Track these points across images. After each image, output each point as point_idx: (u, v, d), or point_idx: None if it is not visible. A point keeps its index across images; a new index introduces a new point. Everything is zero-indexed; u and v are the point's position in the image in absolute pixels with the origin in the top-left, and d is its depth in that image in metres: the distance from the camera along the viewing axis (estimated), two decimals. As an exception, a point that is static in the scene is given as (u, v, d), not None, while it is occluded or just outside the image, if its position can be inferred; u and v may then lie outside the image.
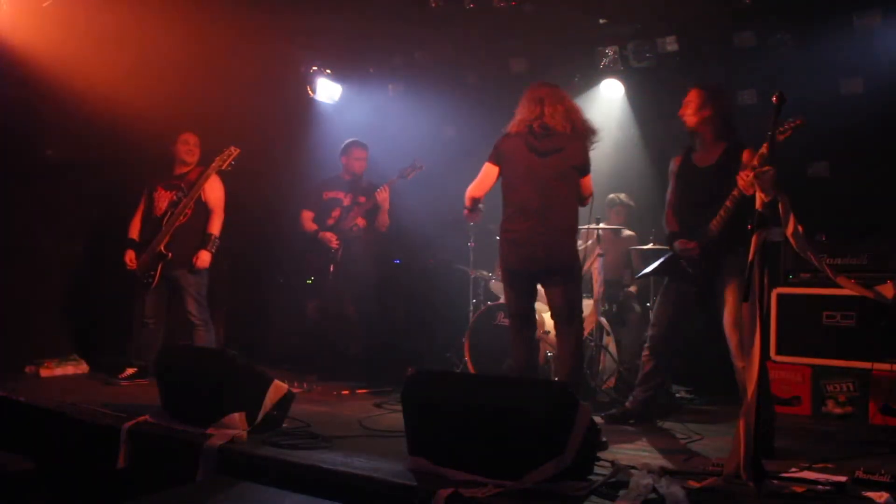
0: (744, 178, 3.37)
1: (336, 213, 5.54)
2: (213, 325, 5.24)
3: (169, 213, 5.10)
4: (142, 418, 3.57)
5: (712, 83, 3.93)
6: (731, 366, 3.64)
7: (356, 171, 5.60)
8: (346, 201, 5.55)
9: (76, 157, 5.63)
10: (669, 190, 4.01)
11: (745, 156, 3.63)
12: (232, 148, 5.10)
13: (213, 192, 5.20)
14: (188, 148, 5.22)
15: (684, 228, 3.82)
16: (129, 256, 5.15)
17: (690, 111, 3.81)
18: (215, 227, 5.20)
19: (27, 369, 5.13)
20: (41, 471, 3.10)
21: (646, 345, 4.08)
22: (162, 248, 5.04)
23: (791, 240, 2.80)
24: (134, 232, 5.26)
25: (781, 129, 3.27)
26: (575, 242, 3.97)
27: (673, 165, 4.01)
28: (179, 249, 5.08)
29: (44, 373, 5.10)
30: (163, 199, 5.19)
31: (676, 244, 3.78)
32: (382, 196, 5.38)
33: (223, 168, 5.06)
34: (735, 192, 3.48)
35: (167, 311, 5.25)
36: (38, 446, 3.64)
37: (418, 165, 5.39)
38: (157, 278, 5.06)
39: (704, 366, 3.78)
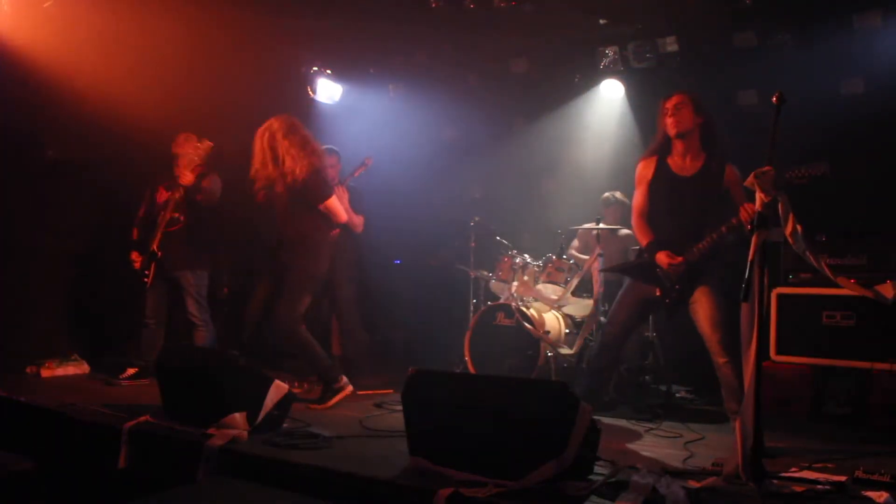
0: (746, 211, 3.30)
1: None
2: (213, 326, 5.24)
3: (160, 213, 5.11)
4: (142, 418, 3.57)
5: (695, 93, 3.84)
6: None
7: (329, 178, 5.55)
8: None
9: (76, 157, 5.63)
10: (639, 195, 3.88)
11: (730, 171, 3.64)
12: (205, 141, 5.08)
13: (208, 181, 5.18)
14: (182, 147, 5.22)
15: (663, 237, 3.77)
16: (133, 256, 5.17)
17: (686, 116, 3.69)
18: (203, 200, 5.18)
19: (28, 369, 5.13)
20: (41, 471, 3.10)
21: (601, 342, 4.09)
22: (154, 248, 5.05)
23: (790, 240, 2.80)
24: (136, 233, 5.27)
25: (799, 175, 3.15)
26: None
27: (644, 170, 3.89)
28: (179, 251, 5.08)
29: (45, 373, 5.10)
30: (162, 199, 5.20)
31: (661, 255, 3.71)
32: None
33: (199, 163, 5.05)
34: (734, 221, 3.46)
35: (167, 312, 5.25)
36: (38, 446, 3.64)
37: (367, 162, 5.31)
38: (151, 277, 5.06)
39: (704, 366, 3.79)
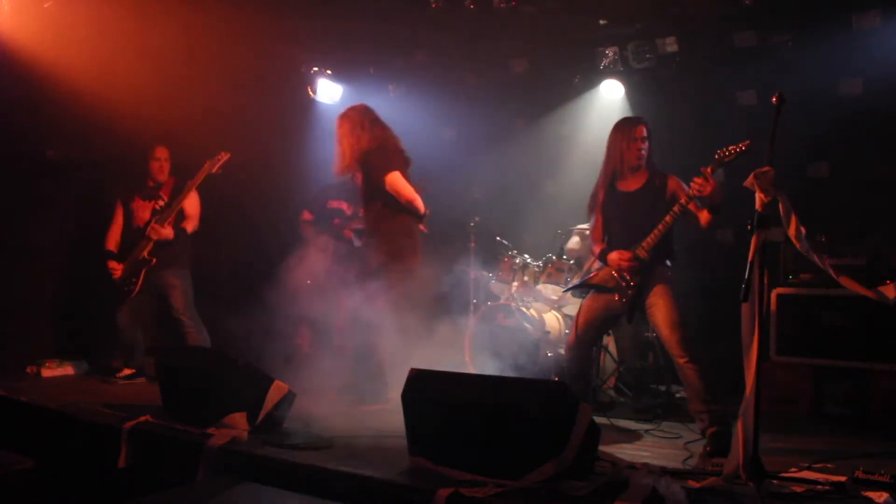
0: (696, 184, 3.48)
1: (336, 223, 5.51)
2: (203, 326, 5.23)
3: (153, 221, 5.12)
4: (143, 418, 3.57)
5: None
6: (730, 365, 3.62)
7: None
8: (349, 212, 5.51)
9: (76, 157, 5.63)
10: (595, 223, 4.01)
11: (673, 182, 3.76)
12: (222, 153, 5.11)
13: (191, 201, 5.25)
14: (159, 165, 5.25)
15: (615, 243, 3.85)
16: (112, 266, 5.17)
17: (649, 147, 3.85)
18: (188, 226, 5.25)
19: (28, 369, 5.13)
20: (42, 470, 3.10)
21: (567, 351, 4.08)
22: (146, 255, 5.07)
23: (794, 240, 2.79)
24: (112, 244, 5.26)
25: (726, 152, 3.45)
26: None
27: (595, 198, 4.04)
28: (163, 253, 5.11)
29: (44, 373, 5.11)
30: (143, 210, 5.21)
31: (613, 255, 3.79)
32: None
33: (213, 171, 5.07)
34: (676, 208, 3.59)
35: (148, 318, 5.26)
36: (39, 446, 3.64)
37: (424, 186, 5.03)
38: (139, 284, 5.08)
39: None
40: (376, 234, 4.38)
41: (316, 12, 5.74)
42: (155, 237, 5.06)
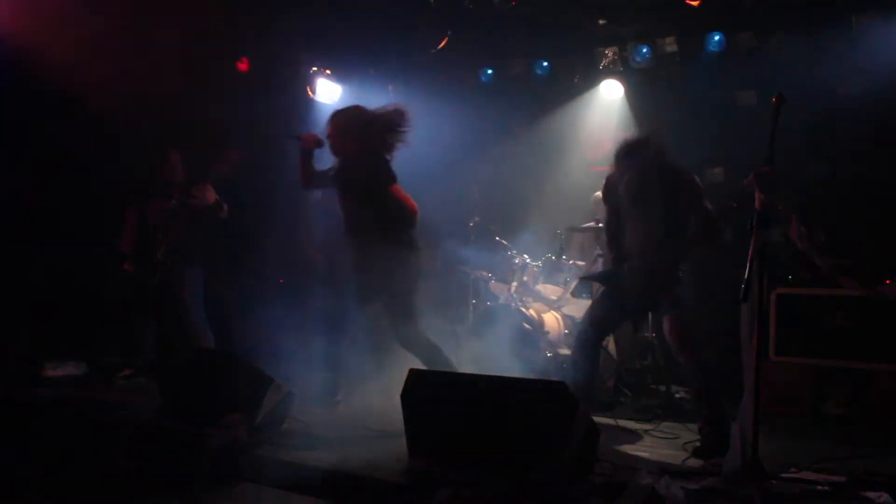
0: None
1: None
2: (208, 327, 5.23)
3: (165, 222, 5.12)
4: (142, 418, 3.57)
5: None
6: (730, 365, 3.63)
7: None
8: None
9: (76, 157, 5.63)
10: (607, 215, 4.01)
11: (686, 178, 3.69)
12: (231, 152, 5.12)
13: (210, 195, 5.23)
14: (171, 167, 5.23)
15: (628, 238, 3.81)
16: (128, 267, 5.17)
17: (642, 176, 3.77)
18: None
19: (28, 369, 5.13)
20: (42, 470, 3.10)
21: (577, 341, 4.03)
22: (160, 257, 5.07)
23: (795, 240, 2.80)
24: (127, 245, 5.25)
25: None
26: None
27: (605, 192, 4.03)
28: (177, 251, 5.11)
29: (44, 373, 5.10)
30: (157, 210, 5.20)
31: (627, 266, 3.77)
32: None
33: (224, 171, 5.08)
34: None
35: (160, 315, 5.26)
36: (38, 446, 3.64)
37: None
38: (157, 282, 5.07)
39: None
40: (380, 240, 4.28)
41: (316, 12, 5.75)
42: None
